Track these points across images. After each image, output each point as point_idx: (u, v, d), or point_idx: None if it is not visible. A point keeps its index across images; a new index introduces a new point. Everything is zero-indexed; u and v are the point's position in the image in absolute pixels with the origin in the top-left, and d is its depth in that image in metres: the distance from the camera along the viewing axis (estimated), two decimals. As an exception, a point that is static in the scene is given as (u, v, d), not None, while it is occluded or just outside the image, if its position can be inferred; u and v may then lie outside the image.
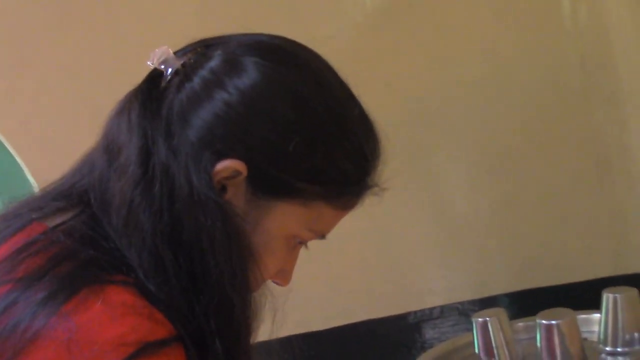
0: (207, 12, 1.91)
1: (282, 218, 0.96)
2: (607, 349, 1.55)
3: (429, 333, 2.05)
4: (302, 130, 0.94)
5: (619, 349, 1.53)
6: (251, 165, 0.92)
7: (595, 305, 1.60)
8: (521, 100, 2.04)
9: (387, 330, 2.05)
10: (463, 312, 2.04)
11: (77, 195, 0.97)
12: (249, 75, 0.94)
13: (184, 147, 0.91)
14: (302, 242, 1.02)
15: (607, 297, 1.55)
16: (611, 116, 2.01)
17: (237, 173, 0.92)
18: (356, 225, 2.02)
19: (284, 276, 1.03)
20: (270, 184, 0.94)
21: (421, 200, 2.06)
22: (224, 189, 0.93)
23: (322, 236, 1.02)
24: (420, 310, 2.05)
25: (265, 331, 1.02)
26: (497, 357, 1.59)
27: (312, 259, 2.02)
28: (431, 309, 2.06)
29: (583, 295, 1.77)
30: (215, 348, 0.91)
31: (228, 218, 0.91)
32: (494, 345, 1.58)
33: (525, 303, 1.98)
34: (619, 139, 2.01)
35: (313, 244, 2.09)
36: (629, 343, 1.53)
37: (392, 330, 2.05)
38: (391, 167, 2.05)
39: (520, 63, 2.03)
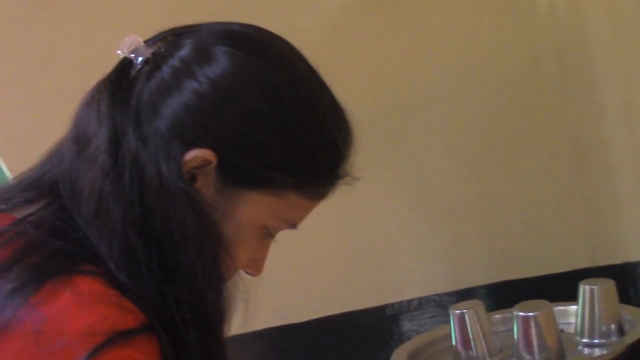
0: (183, 1, 1.90)
1: (252, 207, 0.95)
2: (584, 340, 1.55)
3: (406, 325, 2.04)
4: (273, 120, 0.93)
5: (595, 341, 1.54)
6: (221, 154, 0.92)
7: (573, 297, 1.60)
8: (497, 90, 2.03)
9: (365, 322, 2.05)
10: (441, 303, 2.03)
11: (46, 185, 0.96)
12: (220, 64, 0.93)
13: (154, 137, 0.91)
14: (273, 232, 1.02)
15: (584, 289, 1.56)
16: (588, 106, 2.01)
17: (207, 162, 0.92)
18: (333, 216, 2.03)
19: (255, 266, 1.03)
20: (240, 173, 0.94)
21: (399, 191, 2.06)
22: (193, 178, 0.93)
23: (294, 226, 1.02)
24: (398, 302, 2.05)
25: (238, 321, 1.01)
26: (474, 349, 1.59)
27: (288, 250, 2.02)
28: (409, 301, 2.05)
29: (560, 287, 1.77)
30: (189, 338, 0.90)
31: (198, 207, 0.91)
32: (471, 337, 1.59)
33: (502, 295, 1.98)
34: (596, 129, 2.01)
35: (289, 235, 2.08)
36: (605, 334, 1.53)
37: (370, 322, 2.04)
38: (369, 158, 2.05)
39: (496, 53, 2.03)
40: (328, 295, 2.05)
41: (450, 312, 1.61)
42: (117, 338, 0.82)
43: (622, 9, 1.94)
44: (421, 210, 2.06)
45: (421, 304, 2.05)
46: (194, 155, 0.91)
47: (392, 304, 2.05)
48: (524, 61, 2.03)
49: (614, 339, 1.53)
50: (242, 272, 1.03)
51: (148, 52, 0.95)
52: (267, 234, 1.01)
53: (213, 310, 0.93)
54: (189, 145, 0.91)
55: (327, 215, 2.01)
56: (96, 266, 0.88)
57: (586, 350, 1.54)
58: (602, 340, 1.53)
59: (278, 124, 0.93)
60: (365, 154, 2.02)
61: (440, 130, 2.05)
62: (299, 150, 0.95)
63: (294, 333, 2.02)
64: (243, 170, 0.93)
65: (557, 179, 2.05)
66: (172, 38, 0.97)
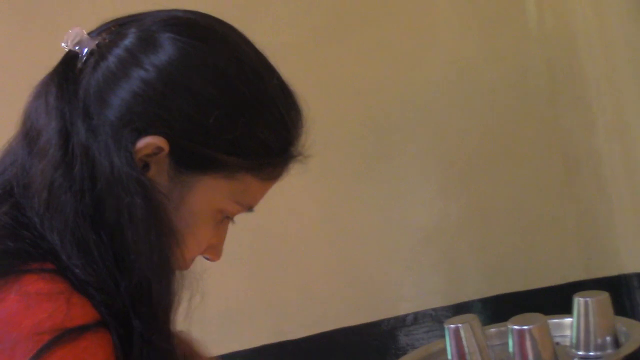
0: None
1: (207, 192, 0.96)
2: (580, 353, 1.55)
3: (402, 340, 2.04)
4: (221, 104, 0.94)
5: (591, 353, 1.54)
6: (172, 141, 0.93)
7: (568, 310, 1.60)
8: (488, 104, 2.04)
9: (361, 338, 2.05)
10: (436, 318, 2.03)
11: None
12: (165, 51, 0.94)
13: (104, 127, 0.91)
14: (230, 216, 1.02)
15: (578, 302, 1.56)
16: (578, 119, 2.02)
17: (159, 150, 0.93)
18: (327, 232, 2.03)
19: (214, 251, 1.03)
20: (192, 158, 0.94)
21: (391, 206, 2.06)
22: (146, 166, 0.93)
23: (250, 208, 1.03)
24: (393, 317, 2.05)
25: (180, 314, 1.01)
26: (470, 364, 1.59)
27: (283, 267, 2.03)
28: (404, 316, 2.05)
29: (555, 300, 1.77)
30: (137, 328, 0.90)
31: (149, 195, 0.91)
32: (466, 351, 1.59)
33: (498, 308, 1.98)
34: (587, 142, 2.02)
35: (284, 252, 2.09)
36: (601, 347, 1.53)
37: (366, 337, 2.05)
38: (360, 174, 2.06)
39: (487, 67, 2.04)
40: (324, 312, 2.05)
41: (446, 326, 1.61)
42: (65, 336, 0.82)
43: (611, 22, 1.95)
44: (414, 225, 2.06)
45: (417, 318, 2.05)
46: (146, 143, 0.92)
47: (388, 319, 2.05)
48: (515, 76, 2.04)
49: (609, 351, 1.53)
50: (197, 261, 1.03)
51: (92, 44, 0.95)
52: (224, 218, 1.01)
53: (158, 299, 0.93)
54: (140, 134, 0.92)
55: (321, 232, 2.03)
56: (50, 262, 0.88)
57: (582, 363, 1.54)
58: (598, 353, 1.53)
59: (227, 107, 0.94)
60: (356, 170, 2.04)
61: (431, 144, 2.06)
62: (250, 132, 0.96)
63: (291, 350, 2.02)
64: (195, 156, 0.94)
65: (550, 192, 2.06)
66: (115, 28, 0.97)
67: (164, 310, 0.94)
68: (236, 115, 0.94)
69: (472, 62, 2.05)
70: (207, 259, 1.03)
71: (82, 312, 0.85)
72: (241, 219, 1.93)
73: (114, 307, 0.88)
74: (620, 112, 1.95)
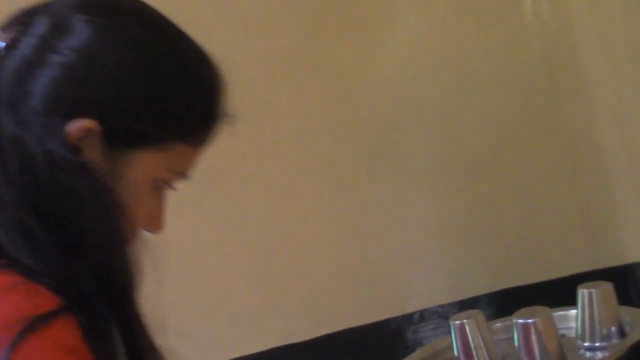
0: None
1: (141, 166, 0.97)
2: (585, 344, 1.55)
3: (410, 338, 2.04)
4: (143, 77, 0.95)
5: (597, 344, 1.54)
6: (101, 121, 0.93)
7: (575, 302, 1.60)
8: (487, 99, 2.04)
9: (368, 338, 2.05)
10: (443, 315, 2.03)
11: None
12: (80, 33, 0.94)
13: (32, 117, 0.92)
14: (167, 184, 1.02)
15: (583, 293, 1.56)
16: (579, 111, 2.02)
17: (89, 132, 0.93)
18: (331, 233, 2.04)
19: (155, 223, 1.03)
20: (122, 135, 0.95)
21: (394, 204, 2.06)
22: (78, 150, 0.93)
23: (184, 175, 1.02)
24: (400, 316, 2.05)
25: (151, 282, 1.00)
26: (476, 359, 1.59)
27: (289, 269, 2.03)
28: (411, 314, 2.05)
29: (562, 292, 1.77)
30: (102, 307, 0.90)
31: (92, 177, 0.92)
32: (472, 346, 1.59)
33: (505, 303, 1.98)
34: (588, 133, 2.02)
35: (290, 254, 2.08)
36: (606, 337, 1.53)
37: (373, 337, 2.04)
38: (362, 173, 2.06)
39: (485, 62, 2.03)
40: (330, 313, 2.05)
41: (451, 323, 1.62)
42: (35, 324, 0.82)
43: (609, 13, 1.94)
44: (418, 223, 2.06)
45: (423, 316, 2.05)
46: (76, 126, 0.92)
47: (395, 318, 2.05)
48: (513, 70, 2.04)
49: (614, 341, 1.53)
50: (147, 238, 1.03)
51: (7, 38, 0.95)
52: (160, 187, 1.02)
53: (121, 274, 0.94)
54: (68, 118, 0.92)
55: (325, 232, 2.03)
56: (0, 258, 0.88)
57: (588, 354, 1.54)
58: (603, 343, 1.53)
59: (148, 80, 0.95)
60: (359, 170, 2.04)
61: (432, 142, 2.05)
62: (174, 100, 0.97)
63: (298, 352, 2.02)
64: (126, 132, 0.95)
65: (552, 184, 2.05)
66: (26, 19, 0.97)
67: (129, 282, 0.95)
68: (159, 86, 0.95)
69: (469, 58, 2.05)
70: (149, 231, 1.03)
71: (46, 299, 0.85)
72: (246, 221, 1.95)
73: (71, 293, 0.87)
74: (620, 102, 1.95)
